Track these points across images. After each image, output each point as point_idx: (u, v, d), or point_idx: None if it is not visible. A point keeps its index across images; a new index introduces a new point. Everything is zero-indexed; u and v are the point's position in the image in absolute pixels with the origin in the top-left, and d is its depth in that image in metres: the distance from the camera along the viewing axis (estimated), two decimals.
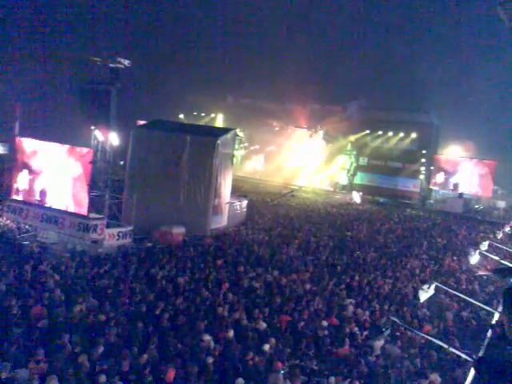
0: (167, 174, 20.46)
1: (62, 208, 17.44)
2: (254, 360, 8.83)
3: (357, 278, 14.88)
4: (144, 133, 22.21)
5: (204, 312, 10.77)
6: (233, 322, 10.49)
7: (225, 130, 25.59)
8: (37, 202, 18.12)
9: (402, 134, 44.73)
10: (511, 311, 6.72)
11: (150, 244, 17.71)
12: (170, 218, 19.11)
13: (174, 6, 53.03)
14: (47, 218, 17.43)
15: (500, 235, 23.47)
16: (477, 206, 40.14)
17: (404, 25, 52.72)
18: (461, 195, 38.72)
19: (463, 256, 18.59)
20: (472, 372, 7.70)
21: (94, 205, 17.86)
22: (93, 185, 17.64)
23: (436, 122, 45.00)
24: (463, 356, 8.13)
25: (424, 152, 43.56)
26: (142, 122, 29.60)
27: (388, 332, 10.49)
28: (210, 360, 8.53)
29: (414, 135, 44.29)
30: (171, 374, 7.90)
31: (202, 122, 48.97)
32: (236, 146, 32.85)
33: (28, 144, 18.78)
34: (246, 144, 50.24)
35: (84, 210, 16.90)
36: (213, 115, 51.99)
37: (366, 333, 10.82)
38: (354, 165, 46.82)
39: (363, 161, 46.69)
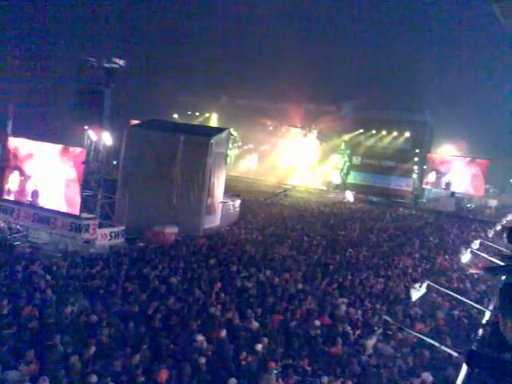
0: (160, 174, 20.40)
1: (54, 208, 17.36)
2: (247, 360, 8.83)
3: (349, 277, 14.91)
4: (138, 132, 22.14)
5: (196, 312, 10.75)
6: (225, 321, 10.49)
7: (219, 130, 25.57)
8: (28, 203, 18.03)
9: (395, 133, 44.93)
10: (507, 308, 6.75)
11: (142, 244, 17.68)
12: (163, 217, 19.06)
13: (168, 6, 52.91)
14: (39, 218, 17.33)
15: (491, 234, 23.60)
16: (469, 205, 40.39)
17: (398, 25, 52.90)
18: (453, 194, 38.95)
19: (455, 255, 18.67)
20: (464, 370, 7.75)
21: (86, 205, 17.79)
22: (85, 184, 17.57)
23: (429, 121, 45.24)
24: (454, 354, 8.18)
25: (417, 151, 43.78)
26: (135, 122, 29.55)
27: (380, 331, 10.56)
28: (203, 360, 8.52)
29: (407, 134, 44.49)
30: (163, 375, 7.89)
31: (196, 122, 48.96)
32: (230, 146, 32.87)
33: (21, 144, 18.68)
34: (240, 143, 50.29)
35: (76, 210, 16.83)
36: (207, 115, 51.98)
37: (358, 332, 10.84)
38: (348, 164, 46.96)
39: (356, 160, 46.89)
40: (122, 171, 20.81)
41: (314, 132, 47.32)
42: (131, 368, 7.99)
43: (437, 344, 7.95)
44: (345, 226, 24.76)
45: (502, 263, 12.35)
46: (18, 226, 17.69)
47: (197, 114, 51.90)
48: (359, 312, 11.93)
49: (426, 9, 53.25)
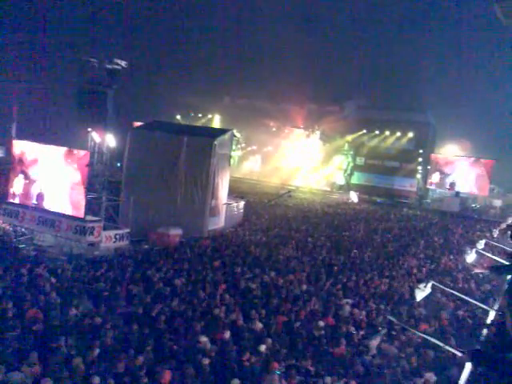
0: (164, 176, 20.44)
1: (59, 211, 17.43)
2: (250, 360, 8.84)
3: (354, 277, 14.89)
4: (141, 134, 22.17)
5: (201, 313, 10.77)
6: (229, 323, 10.49)
7: (222, 131, 25.61)
8: (33, 206, 18.11)
9: (398, 134, 44.81)
10: None
11: (146, 246, 17.72)
12: (167, 219, 19.09)
13: (170, 7, 53.04)
14: (44, 220, 17.41)
15: (496, 234, 23.53)
16: (473, 205, 40.23)
17: (401, 24, 52.86)
18: (457, 194, 38.82)
19: (460, 255, 18.62)
20: (467, 370, 7.74)
21: (90, 207, 17.85)
22: (90, 187, 17.62)
23: (433, 121, 45.12)
24: (459, 354, 8.17)
25: (421, 151, 43.66)
26: (138, 124, 29.63)
27: (385, 331, 10.53)
28: (206, 361, 8.53)
29: (410, 135, 44.37)
30: (167, 376, 7.90)
31: (199, 123, 49.04)
32: (233, 147, 32.86)
33: (25, 147, 18.76)
34: (243, 145, 50.30)
35: (81, 213, 16.89)
36: (210, 116, 52.03)
37: (362, 332, 10.83)
38: (351, 165, 46.88)
39: (360, 160, 46.81)
40: (125, 173, 20.86)
41: (317, 133, 47.29)
42: (135, 369, 8.01)
43: (441, 344, 7.94)
44: (349, 227, 24.73)
45: (506, 262, 12.32)
46: (23, 229, 17.75)
47: (199, 115, 51.96)
48: (363, 313, 11.91)
49: (428, 9, 53.26)
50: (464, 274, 16.27)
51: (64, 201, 17.45)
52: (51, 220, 17.25)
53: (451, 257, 19.27)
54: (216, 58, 52.54)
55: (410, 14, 53.83)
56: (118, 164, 26.89)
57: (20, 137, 20.81)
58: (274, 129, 49.31)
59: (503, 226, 25.90)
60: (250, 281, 13.59)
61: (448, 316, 11.99)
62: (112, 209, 19.11)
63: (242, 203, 25.04)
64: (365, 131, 46.05)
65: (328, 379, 8.46)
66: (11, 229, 17.87)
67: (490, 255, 14.47)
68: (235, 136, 33.33)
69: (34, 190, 18.28)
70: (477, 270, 15.45)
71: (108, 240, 17.08)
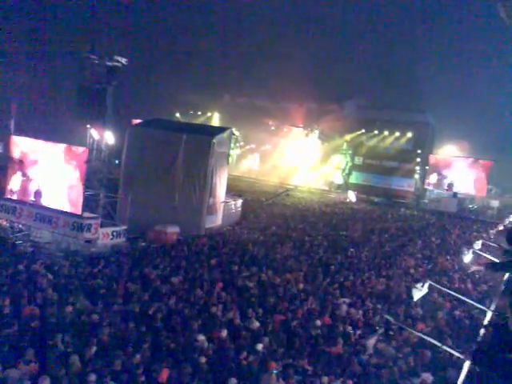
0: (162, 173, 20.40)
1: (56, 207, 17.39)
2: (248, 359, 8.84)
3: (351, 277, 14.91)
4: (140, 131, 22.12)
5: (198, 311, 10.77)
6: (226, 321, 10.49)
7: (221, 129, 25.57)
8: (31, 202, 18.06)
9: (397, 134, 44.79)
10: None
11: (144, 243, 17.70)
12: (165, 217, 19.06)
13: (170, 4, 52.94)
14: (41, 217, 17.37)
15: (493, 235, 23.59)
16: (471, 206, 40.29)
17: (401, 24, 52.82)
18: (455, 194, 38.85)
19: (456, 255, 18.65)
20: (465, 371, 7.75)
21: (88, 204, 17.82)
22: (87, 184, 17.58)
23: (432, 121, 45.14)
24: (456, 354, 8.18)
25: (419, 151, 43.67)
26: (137, 121, 29.55)
27: (381, 331, 10.55)
28: (203, 360, 8.53)
29: (409, 135, 44.34)
30: (164, 374, 7.90)
31: (198, 121, 48.92)
32: (232, 145, 32.82)
33: (23, 143, 18.70)
34: (242, 143, 50.23)
35: (78, 210, 16.86)
36: (209, 114, 51.89)
37: (359, 332, 10.84)
38: (350, 164, 46.89)
39: (358, 160, 46.78)
40: (124, 170, 20.81)
41: (316, 132, 47.25)
42: (132, 367, 8.00)
43: (439, 344, 7.95)
44: (346, 226, 24.73)
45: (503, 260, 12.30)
46: (20, 225, 17.71)
47: (199, 113, 51.83)
48: (360, 312, 11.93)
49: (429, 9, 53.25)
50: (460, 274, 16.31)
51: (62, 197, 17.42)
52: (48, 216, 17.21)
53: (448, 257, 19.31)
54: (216, 56, 52.49)
55: (410, 13, 53.86)
56: (116, 161, 26.86)
57: (18, 133, 20.69)
58: (273, 127, 49.25)
59: (500, 227, 25.97)
60: (247, 279, 13.60)
61: (445, 316, 12.01)
62: (110, 206, 19.09)
63: (239, 202, 25.03)
64: (364, 131, 46.04)
65: (325, 379, 8.47)
66: (8, 225, 17.82)
67: (486, 255, 14.48)
68: (234, 134, 33.34)
69: (32, 187, 18.23)
70: (473, 269, 15.44)
71: (105, 237, 17.07)
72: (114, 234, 17.45)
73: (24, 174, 18.42)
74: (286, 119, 48.42)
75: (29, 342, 8.26)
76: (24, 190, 18.39)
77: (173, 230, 18.47)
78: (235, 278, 13.51)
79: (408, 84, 45.64)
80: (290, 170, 47.38)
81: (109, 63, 20.91)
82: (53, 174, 17.70)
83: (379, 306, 12.48)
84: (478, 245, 14.46)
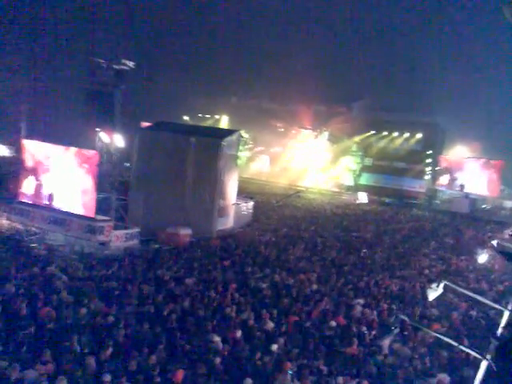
0: (172, 176, 20.51)
1: (70, 210, 17.51)
2: (262, 360, 8.82)
3: (364, 278, 14.84)
4: (149, 134, 22.25)
5: (212, 312, 10.77)
6: (240, 322, 10.48)
7: (229, 132, 25.62)
8: (44, 205, 18.21)
9: (407, 135, 44.55)
10: None
11: (156, 245, 17.75)
12: (176, 219, 19.14)
13: (178, 8, 53.16)
14: (54, 220, 17.54)
15: (508, 235, 23.35)
16: (483, 206, 39.92)
17: (410, 25, 52.58)
18: (467, 195, 38.52)
19: (471, 255, 18.50)
20: (482, 371, 7.66)
21: (100, 207, 17.92)
22: (99, 187, 17.69)
23: (442, 122, 44.81)
24: (473, 354, 8.08)
25: (429, 152, 43.40)
26: (146, 124, 29.69)
27: (397, 331, 10.46)
28: (218, 360, 8.52)
29: (419, 136, 44.09)
30: (179, 375, 7.90)
31: (206, 124, 49.03)
32: (240, 148, 32.84)
33: (35, 147, 18.88)
34: (251, 145, 50.24)
35: (91, 213, 16.96)
36: (217, 117, 52.01)
37: (374, 332, 10.78)
38: (360, 165, 46.72)
39: (368, 161, 46.58)
40: (134, 173, 20.95)
41: (325, 134, 47.14)
42: (147, 368, 8.01)
43: (455, 344, 7.86)
44: (358, 228, 24.62)
45: None
46: (34, 228, 17.84)
47: (207, 115, 51.98)
48: (375, 312, 11.86)
49: (439, 10, 52.96)
50: (475, 274, 16.17)
51: (74, 200, 17.54)
52: (62, 219, 17.37)
53: (462, 258, 19.15)
54: (224, 59, 52.57)
55: (421, 15, 53.63)
56: (127, 164, 26.99)
57: (29, 137, 20.86)
58: (281, 129, 49.25)
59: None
60: (260, 280, 13.58)
61: (460, 316, 11.91)
62: (121, 208, 19.18)
63: (250, 203, 25.02)
64: (373, 132, 45.85)
65: (340, 379, 8.43)
66: (22, 228, 17.96)
67: (501, 255, 14.36)
68: (242, 136, 33.34)
69: (45, 190, 18.38)
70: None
71: (118, 239, 17.16)
72: (127, 236, 17.55)
73: (37, 178, 18.58)
74: (295, 121, 48.34)
75: (45, 343, 8.31)
76: (37, 193, 18.54)
77: (185, 232, 18.52)
78: (248, 280, 13.51)
79: (417, 85, 45.38)
80: (300, 171, 47.30)
81: (116, 66, 20.96)
82: (65, 178, 17.85)
83: (394, 307, 12.39)
84: (492, 245, 14.34)
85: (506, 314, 10.40)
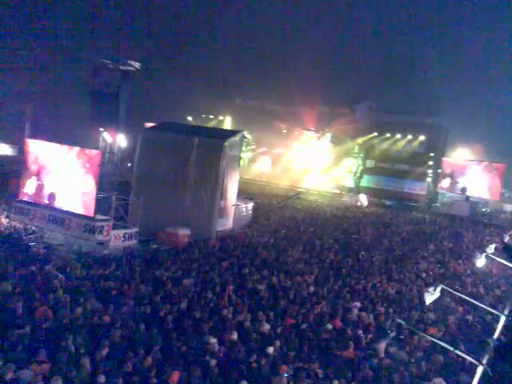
0: (174, 176, 20.52)
1: (69, 210, 17.54)
2: (258, 362, 8.82)
3: (362, 280, 14.83)
4: (152, 135, 22.28)
5: (208, 314, 10.78)
6: (237, 324, 10.49)
7: (232, 133, 25.64)
8: (45, 204, 18.24)
9: (409, 137, 44.47)
10: None
11: (155, 246, 17.77)
12: (176, 219, 19.16)
13: (183, 9, 53.25)
14: (53, 219, 17.55)
15: (507, 238, 23.28)
16: (484, 210, 39.81)
17: (414, 28, 52.58)
18: (467, 198, 38.41)
19: (469, 259, 18.47)
20: (478, 376, 7.65)
21: (100, 206, 17.95)
22: (99, 186, 17.72)
23: (444, 124, 44.70)
24: (469, 359, 8.08)
25: (432, 155, 43.33)
26: (150, 124, 29.77)
27: (393, 334, 10.45)
28: (214, 362, 8.54)
29: (422, 138, 44.00)
30: (175, 376, 7.92)
31: (210, 124, 49.06)
32: (243, 148, 32.86)
33: (38, 146, 18.93)
34: (254, 146, 50.24)
35: (90, 212, 16.99)
36: (221, 117, 52.04)
37: (370, 336, 10.77)
38: (361, 167, 46.67)
39: (370, 163, 46.52)
40: (136, 173, 20.97)
41: (328, 135, 47.12)
42: (143, 369, 8.03)
43: (451, 349, 7.86)
44: (358, 230, 24.60)
45: None
46: (34, 227, 17.88)
47: (211, 116, 52.00)
48: (371, 316, 11.85)
49: (442, 12, 52.88)
50: (473, 278, 16.14)
51: (75, 200, 17.57)
52: (61, 218, 17.39)
53: (460, 261, 19.12)
54: (228, 60, 52.63)
55: (425, 17, 53.59)
56: (129, 164, 27.04)
57: (32, 136, 20.90)
58: (284, 131, 49.25)
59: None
60: (257, 282, 13.59)
61: (457, 321, 11.89)
62: (121, 208, 19.21)
63: (250, 205, 25.03)
64: (376, 134, 45.79)
65: (336, 382, 8.44)
66: (21, 226, 18.01)
67: (499, 259, 14.31)
68: (245, 137, 33.36)
69: (46, 190, 18.42)
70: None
71: (117, 239, 17.18)
72: (126, 236, 17.56)
73: (39, 178, 18.62)
74: (298, 122, 48.33)
75: (41, 343, 8.33)
76: (38, 192, 18.59)
77: (184, 233, 18.54)
78: (246, 281, 13.51)
79: (421, 87, 45.34)
80: (301, 173, 47.27)
81: (122, 67, 21.04)
82: (66, 177, 17.87)
83: (391, 310, 12.38)
84: (491, 249, 14.29)
85: (503, 319, 10.40)
